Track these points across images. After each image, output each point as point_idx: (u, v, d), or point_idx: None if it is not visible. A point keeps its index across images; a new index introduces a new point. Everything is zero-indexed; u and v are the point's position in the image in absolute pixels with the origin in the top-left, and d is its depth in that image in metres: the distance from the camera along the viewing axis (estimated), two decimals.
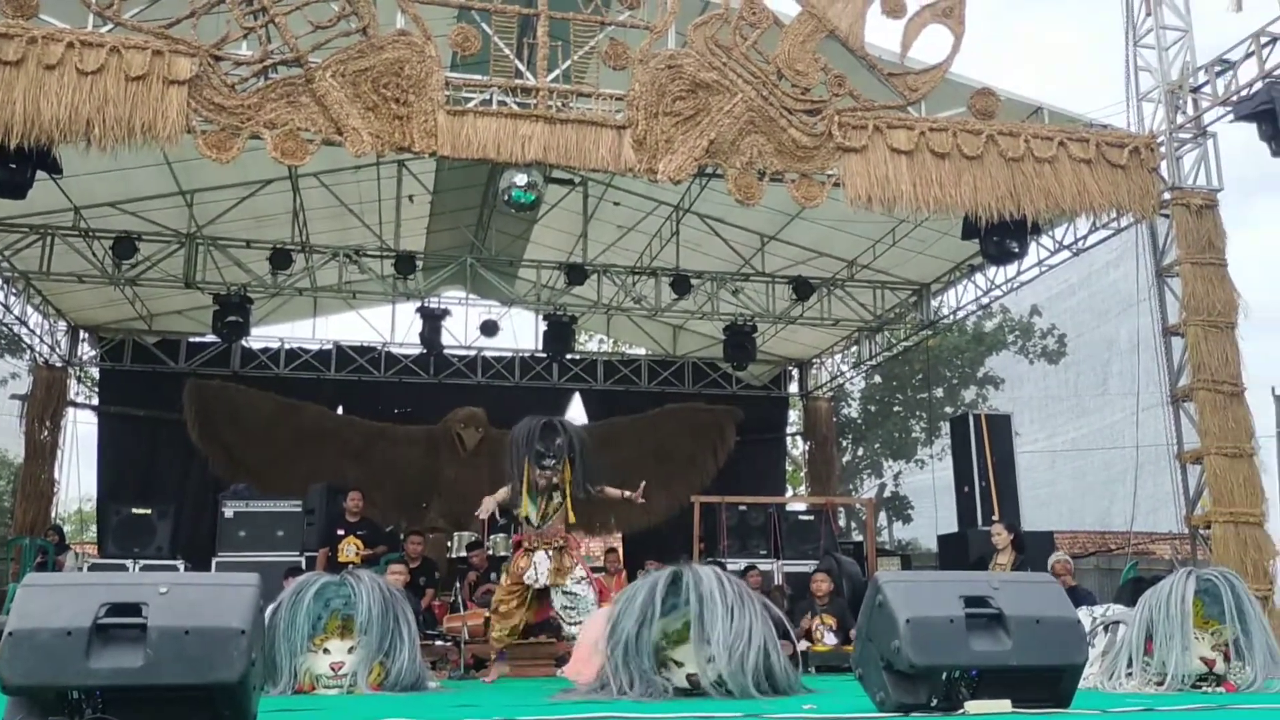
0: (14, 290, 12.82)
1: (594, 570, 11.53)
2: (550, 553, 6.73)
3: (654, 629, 4.53)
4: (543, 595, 6.82)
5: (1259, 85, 8.53)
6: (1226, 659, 4.85)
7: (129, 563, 10.27)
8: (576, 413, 16.27)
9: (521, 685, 6.51)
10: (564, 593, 6.70)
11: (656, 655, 4.56)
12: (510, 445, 6.99)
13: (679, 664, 4.63)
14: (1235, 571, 5.19)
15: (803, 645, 8.01)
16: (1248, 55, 8.71)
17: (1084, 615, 5.20)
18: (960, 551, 10.88)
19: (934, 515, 15.30)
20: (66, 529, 14.69)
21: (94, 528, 15.52)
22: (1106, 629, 5.44)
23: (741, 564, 10.57)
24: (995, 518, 10.08)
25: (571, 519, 6.84)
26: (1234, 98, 8.80)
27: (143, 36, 7.52)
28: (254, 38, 7.78)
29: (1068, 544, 15.21)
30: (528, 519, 6.83)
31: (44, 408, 13.80)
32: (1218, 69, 9.00)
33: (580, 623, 6.56)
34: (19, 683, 2.91)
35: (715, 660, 4.44)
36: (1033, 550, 8.78)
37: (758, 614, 4.60)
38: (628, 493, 7.13)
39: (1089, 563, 15.87)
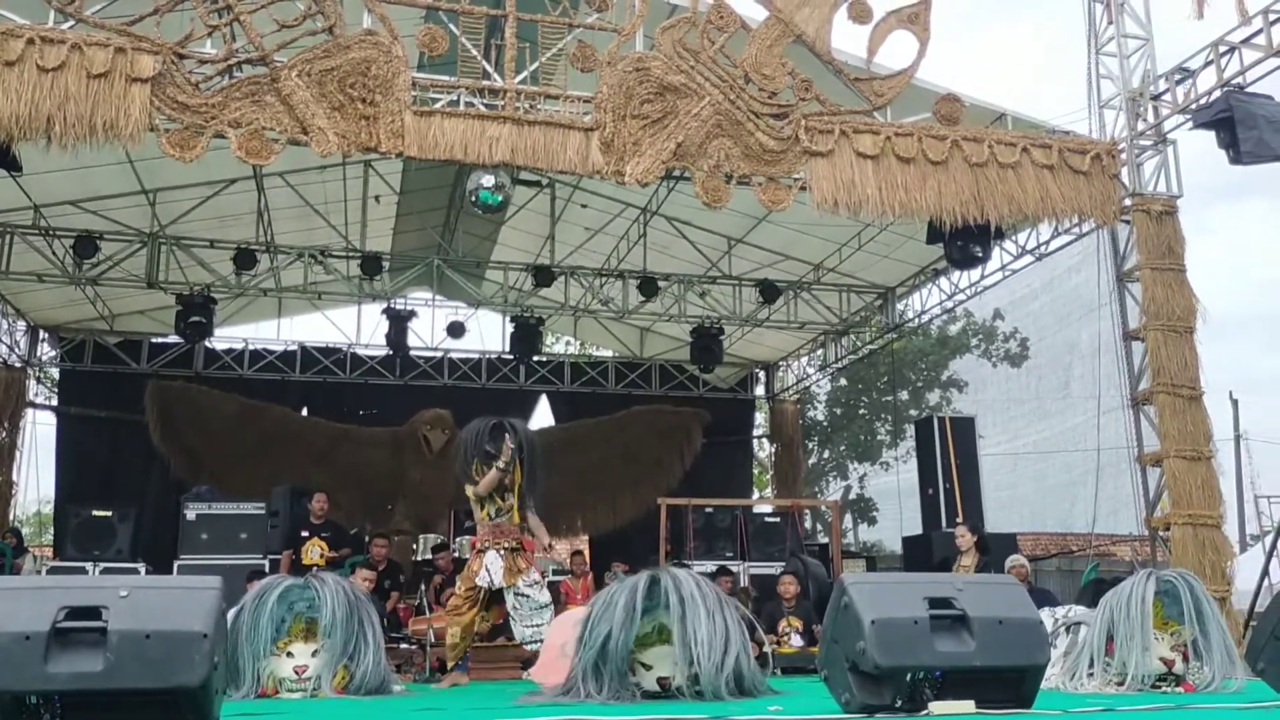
0: None
1: (560, 573, 11.56)
2: (502, 552, 6.69)
3: (632, 632, 4.53)
4: (499, 596, 6.78)
5: (1217, 94, 8.67)
6: (1185, 659, 4.92)
7: (89, 565, 10.12)
8: (543, 414, 16.27)
9: (486, 688, 6.49)
10: (515, 594, 6.66)
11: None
12: (460, 446, 6.96)
13: (647, 667, 4.63)
14: (1194, 573, 5.27)
15: (768, 647, 8.03)
16: (1207, 64, 8.85)
17: (1046, 616, 5.26)
18: (925, 553, 10.97)
19: (899, 517, 15.42)
20: (25, 531, 14.46)
21: (53, 530, 15.24)
22: (1068, 630, 5.50)
23: (708, 565, 10.59)
24: (959, 520, 10.16)
25: (515, 520, 6.80)
26: (1193, 106, 8.94)
27: (105, 33, 7.42)
28: (218, 36, 7.70)
29: (1030, 545, 15.39)
30: (481, 521, 6.81)
31: (2, 408, 13.59)
32: (1178, 77, 9.14)
33: (530, 626, 6.55)
34: None
35: (698, 662, 4.44)
36: (995, 552, 8.87)
37: (733, 617, 4.63)
38: (547, 541, 7.00)
39: (1051, 564, 16.05)
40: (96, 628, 2.94)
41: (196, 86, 7.57)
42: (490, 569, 6.64)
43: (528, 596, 6.64)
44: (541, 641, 6.51)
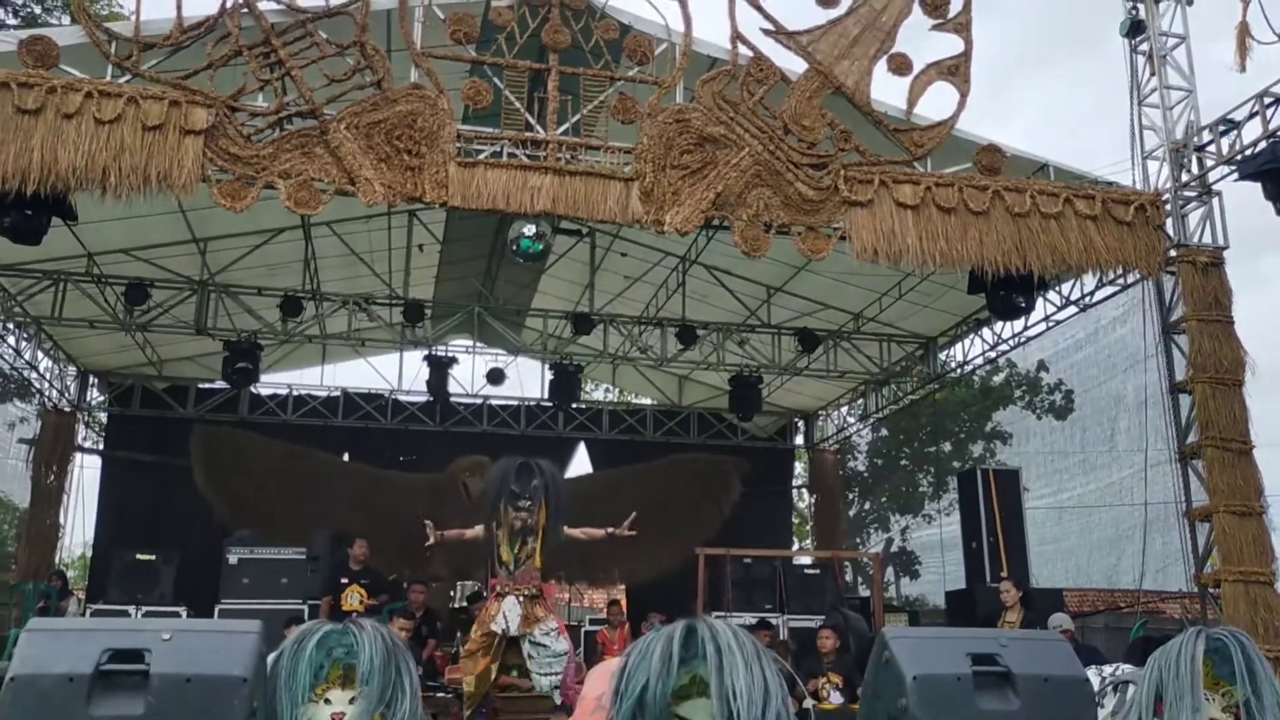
0: (25, 335, 12.91)
1: (597, 623, 11.49)
2: (521, 599, 6.61)
3: (670, 683, 4.48)
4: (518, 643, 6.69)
5: (1263, 145, 8.59)
6: None
7: (131, 608, 10.21)
8: (581, 462, 16.27)
9: None
10: (531, 642, 6.57)
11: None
12: (487, 486, 6.94)
13: None
14: (1246, 631, 5.14)
15: (808, 703, 7.91)
16: (1252, 115, 8.79)
17: (1093, 675, 5.13)
18: (968, 608, 10.78)
19: (942, 571, 15.20)
20: (70, 574, 14.64)
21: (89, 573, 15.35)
22: (1116, 689, 5.36)
23: (746, 617, 10.48)
24: (1004, 575, 9.99)
25: (537, 563, 6.74)
26: (1238, 156, 8.87)
27: (160, 87, 7.63)
28: (270, 90, 7.90)
29: (1076, 601, 15.08)
30: (503, 563, 6.75)
31: (51, 452, 13.84)
32: (1222, 128, 9.08)
33: (547, 674, 6.46)
34: None
35: (737, 716, 4.38)
36: (1041, 608, 8.70)
37: (772, 669, 4.57)
38: (612, 529, 7.00)
39: (1098, 621, 15.71)
40: (139, 671, 2.96)
41: (248, 139, 7.75)
42: (507, 615, 6.55)
43: (545, 646, 6.56)
44: (559, 688, 6.46)
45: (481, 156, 8.23)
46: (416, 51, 8.19)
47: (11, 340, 12.72)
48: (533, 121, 8.45)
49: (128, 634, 3.14)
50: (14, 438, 14.77)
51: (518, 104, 8.41)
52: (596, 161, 8.41)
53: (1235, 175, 8.92)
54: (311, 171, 7.79)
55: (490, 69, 8.43)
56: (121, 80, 7.70)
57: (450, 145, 8.05)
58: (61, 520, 13.89)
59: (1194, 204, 9.34)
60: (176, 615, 9.91)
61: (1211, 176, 9.23)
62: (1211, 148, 9.20)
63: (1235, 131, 9.00)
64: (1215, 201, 9.26)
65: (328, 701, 5.76)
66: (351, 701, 5.74)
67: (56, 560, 13.77)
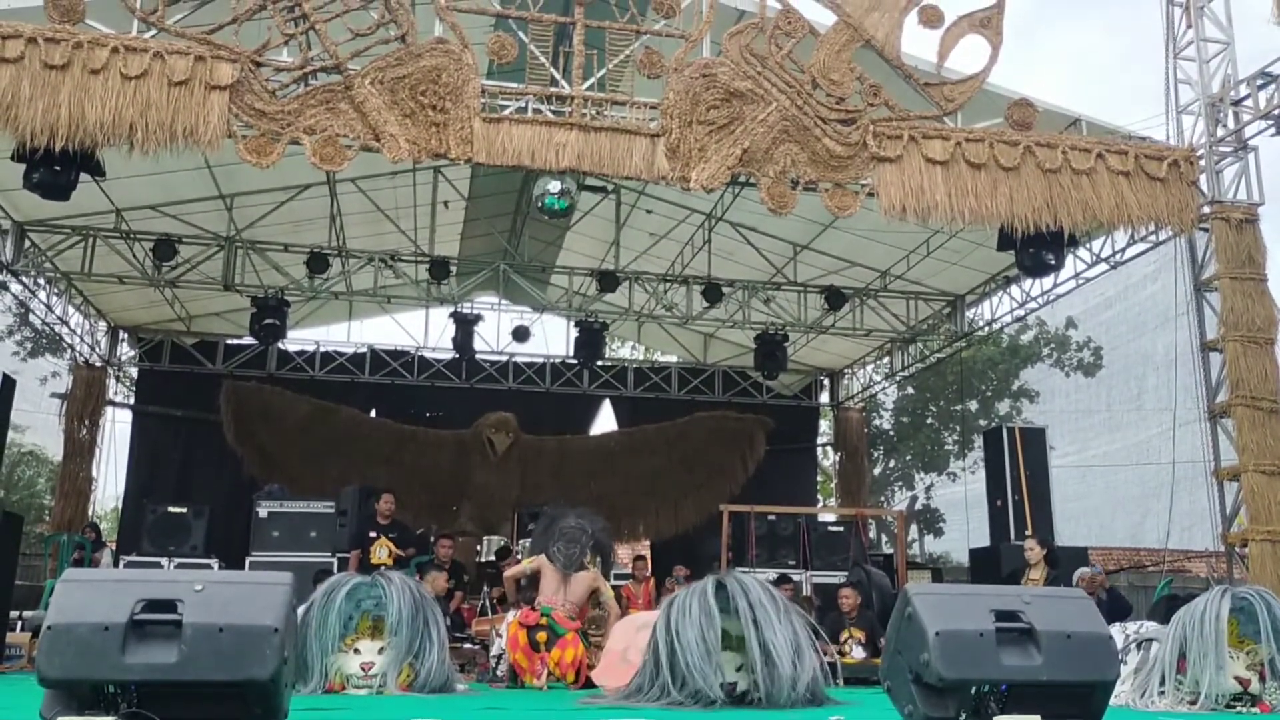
0: (56, 290, 13.04)
1: (621, 577, 11.58)
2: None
3: (709, 635, 4.52)
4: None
5: None
6: (1262, 679, 4.78)
7: (164, 560, 10.38)
8: (606, 419, 16.32)
9: (549, 692, 6.51)
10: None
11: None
12: (540, 526, 7.36)
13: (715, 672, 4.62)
14: (1272, 591, 5.12)
15: (832, 657, 7.98)
16: None
17: (1117, 632, 5.15)
18: (992, 566, 10.77)
19: (966, 529, 15.19)
20: (103, 527, 14.88)
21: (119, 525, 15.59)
22: (1139, 646, 5.38)
23: (769, 573, 10.52)
24: (1028, 532, 9.98)
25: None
26: (1276, 111, 8.70)
27: (185, 42, 7.63)
28: (295, 44, 7.88)
29: (1100, 560, 15.04)
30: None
31: (83, 406, 14.02)
32: (1260, 82, 8.90)
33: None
34: (56, 676, 2.96)
35: (775, 667, 4.43)
36: (1065, 566, 8.70)
37: (800, 623, 4.62)
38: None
39: (1122, 579, 15.69)
40: (172, 620, 3.02)
41: (273, 94, 7.75)
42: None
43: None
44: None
45: (506, 112, 8.19)
46: (441, 5, 8.14)
47: (43, 295, 12.85)
48: (558, 76, 8.39)
49: (161, 585, 3.19)
50: (46, 392, 15.00)
51: (543, 58, 8.35)
52: (622, 117, 8.35)
53: (1272, 130, 8.77)
54: (336, 127, 7.79)
55: (515, 23, 8.36)
56: (147, 35, 7.70)
57: (475, 101, 8.01)
58: (94, 473, 14.11)
59: (1229, 159, 9.19)
60: (208, 567, 10.07)
61: (1248, 131, 9.08)
62: (1248, 102, 9.03)
63: (1273, 86, 8.82)
64: (1251, 157, 9.12)
65: (357, 651, 5.85)
66: (380, 652, 5.83)
67: (89, 513, 14.00)
